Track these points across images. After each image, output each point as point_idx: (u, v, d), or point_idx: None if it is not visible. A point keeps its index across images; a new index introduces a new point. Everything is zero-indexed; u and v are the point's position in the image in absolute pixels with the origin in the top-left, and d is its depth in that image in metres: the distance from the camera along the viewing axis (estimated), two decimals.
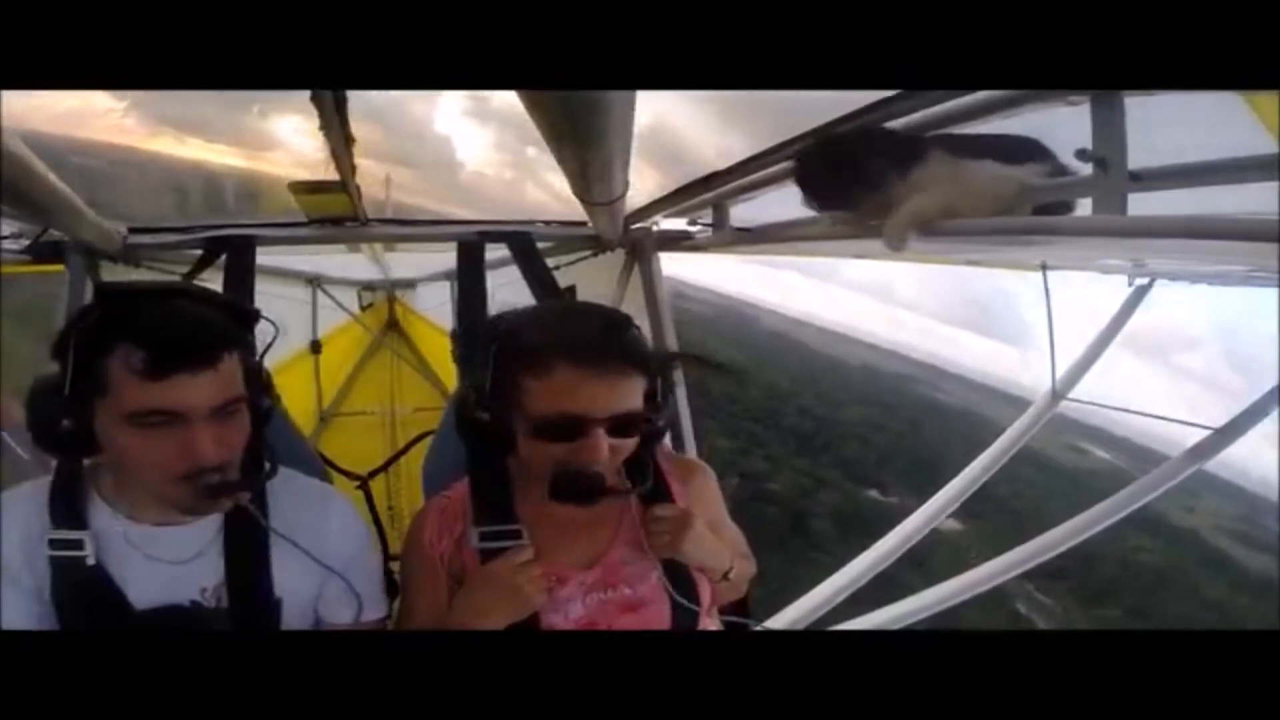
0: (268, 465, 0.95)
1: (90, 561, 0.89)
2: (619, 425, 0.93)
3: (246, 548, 0.95)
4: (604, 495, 0.94)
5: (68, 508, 0.91)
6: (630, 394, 0.94)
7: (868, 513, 23.02)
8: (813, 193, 1.08)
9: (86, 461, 0.94)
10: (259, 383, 0.96)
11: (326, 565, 0.96)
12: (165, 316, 0.83)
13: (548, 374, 0.92)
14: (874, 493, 23.81)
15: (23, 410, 0.87)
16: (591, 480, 0.93)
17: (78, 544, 0.89)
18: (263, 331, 1.02)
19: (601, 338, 0.94)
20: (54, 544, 0.90)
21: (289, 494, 1.00)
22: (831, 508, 23.07)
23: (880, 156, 0.99)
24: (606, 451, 0.92)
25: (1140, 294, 2.83)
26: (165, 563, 0.92)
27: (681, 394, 1.75)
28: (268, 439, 0.98)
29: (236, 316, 0.94)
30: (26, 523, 0.91)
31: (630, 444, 0.96)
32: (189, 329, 0.83)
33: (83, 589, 0.89)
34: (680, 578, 1.01)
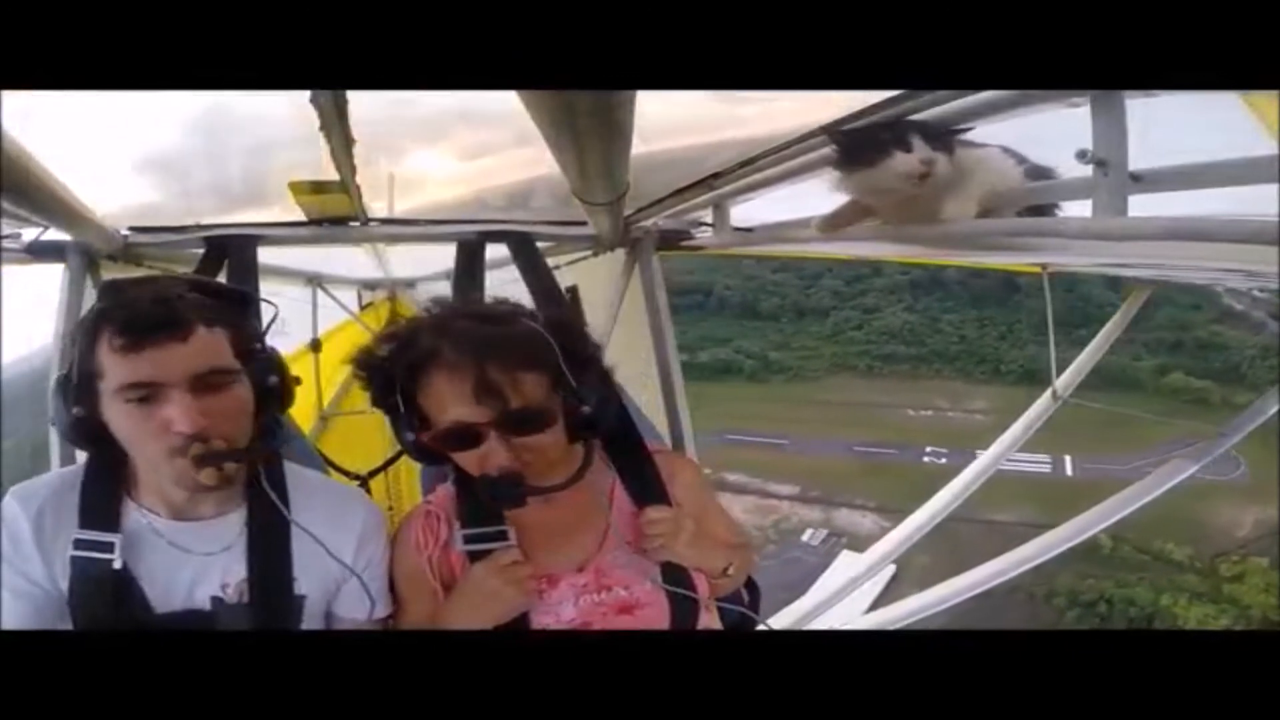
0: (274, 438, 0.97)
1: (117, 565, 0.90)
2: (513, 424, 0.93)
3: (270, 545, 0.96)
4: (529, 495, 0.95)
5: (98, 508, 0.92)
6: (519, 391, 0.93)
7: None
8: (846, 148, 1.02)
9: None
10: (263, 361, 0.97)
11: (348, 565, 0.97)
12: (135, 297, 0.88)
13: (429, 386, 0.94)
14: None
15: None
16: (507, 483, 0.94)
17: (106, 546, 0.90)
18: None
19: (473, 339, 0.93)
20: (80, 544, 0.91)
21: (313, 493, 1.01)
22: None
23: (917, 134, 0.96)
24: (505, 454, 0.93)
25: (1140, 294, 2.83)
26: (189, 555, 0.93)
27: (682, 401, 1.75)
28: (277, 419, 1.00)
29: (216, 297, 0.96)
30: (41, 517, 0.91)
31: (543, 439, 0.95)
32: (152, 304, 0.88)
33: (107, 588, 0.90)
34: (677, 578, 1.00)
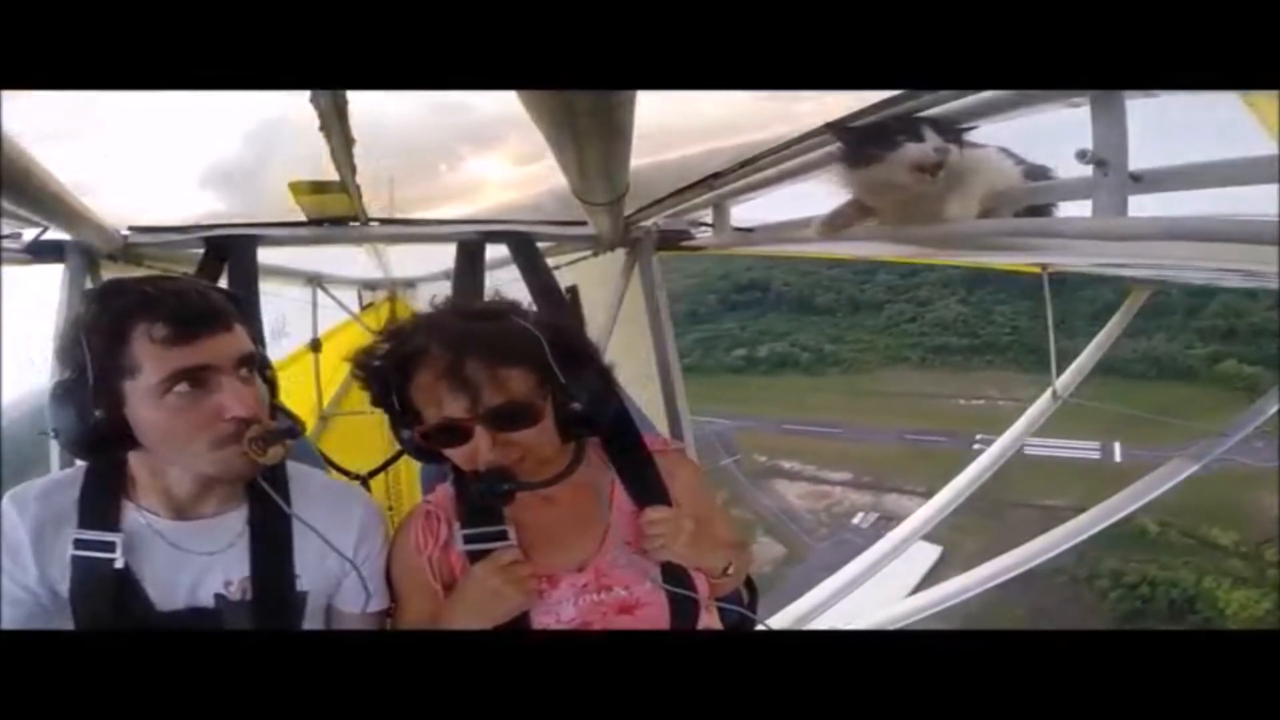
0: (292, 420, 0.98)
1: (119, 565, 0.90)
2: (499, 419, 0.93)
3: (272, 543, 0.96)
4: (518, 490, 0.95)
5: (98, 508, 0.92)
6: (501, 387, 0.93)
7: None
8: (853, 143, 1.01)
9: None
10: (260, 355, 0.99)
11: (349, 559, 0.98)
12: (176, 291, 0.89)
13: (419, 383, 0.95)
14: None
15: None
16: (494, 479, 0.95)
17: (108, 546, 0.90)
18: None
19: (456, 335, 0.94)
20: (80, 544, 0.91)
21: (313, 491, 1.02)
22: None
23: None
24: (489, 451, 0.93)
25: (1140, 294, 2.84)
26: (192, 555, 0.94)
27: (682, 401, 1.75)
28: (280, 407, 1.01)
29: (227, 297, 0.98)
30: (40, 520, 0.91)
31: (530, 435, 0.95)
32: (200, 296, 0.90)
33: (109, 588, 0.90)
34: (677, 578, 1.00)
